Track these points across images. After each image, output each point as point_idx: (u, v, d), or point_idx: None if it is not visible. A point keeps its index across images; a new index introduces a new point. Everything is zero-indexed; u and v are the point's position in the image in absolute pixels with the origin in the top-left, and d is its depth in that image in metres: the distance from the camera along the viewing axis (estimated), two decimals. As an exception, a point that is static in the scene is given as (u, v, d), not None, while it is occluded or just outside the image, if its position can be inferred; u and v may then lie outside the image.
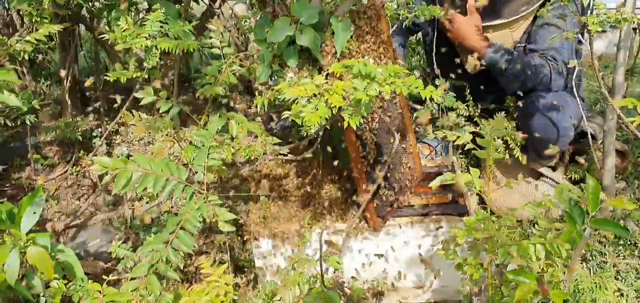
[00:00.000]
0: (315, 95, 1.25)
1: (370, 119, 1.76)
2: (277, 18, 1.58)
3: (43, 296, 1.62)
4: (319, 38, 1.56)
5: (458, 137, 1.40)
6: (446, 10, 2.27)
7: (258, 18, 1.71)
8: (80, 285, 1.46)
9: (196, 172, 1.51)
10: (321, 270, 1.45)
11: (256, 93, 1.66)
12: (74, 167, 2.77)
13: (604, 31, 4.31)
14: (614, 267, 2.16)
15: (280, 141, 1.73)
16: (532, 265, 1.39)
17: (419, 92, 1.31)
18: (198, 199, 1.45)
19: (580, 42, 2.34)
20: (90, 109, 3.16)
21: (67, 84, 2.86)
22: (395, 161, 1.89)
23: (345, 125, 1.26)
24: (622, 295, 2.05)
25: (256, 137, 1.77)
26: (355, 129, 1.56)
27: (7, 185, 2.68)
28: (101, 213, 2.45)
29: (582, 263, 2.18)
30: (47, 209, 2.59)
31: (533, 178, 2.63)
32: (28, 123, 2.44)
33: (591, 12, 1.89)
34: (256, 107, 1.69)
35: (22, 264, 1.59)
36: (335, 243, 1.91)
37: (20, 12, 2.83)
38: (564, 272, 1.45)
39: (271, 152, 1.63)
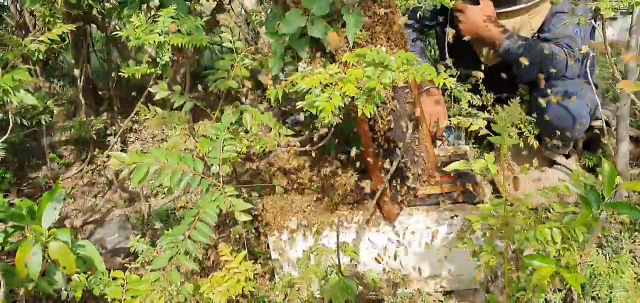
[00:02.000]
0: (328, 85, 1.26)
1: (382, 109, 1.76)
2: (288, 10, 1.59)
3: (65, 290, 1.65)
4: (330, 29, 1.57)
5: (471, 123, 1.41)
6: (456, 4, 2.27)
7: (269, 11, 1.72)
8: (101, 279, 1.48)
9: (212, 165, 1.53)
10: (338, 259, 1.46)
11: (269, 86, 1.67)
12: (89, 166, 2.81)
13: (614, 18, 4.27)
14: (630, 252, 2.15)
15: (294, 132, 1.75)
16: (548, 250, 1.39)
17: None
18: (214, 191, 1.47)
19: (593, 28, 2.33)
20: (103, 107, 3.20)
21: (81, 84, 2.89)
22: (409, 150, 1.89)
23: (360, 113, 1.27)
24: (639, 280, 2.05)
25: (270, 130, 1.79)
26: (368, 118, 1.57)
27: (25, 184, 2.72)
28: (118, 209, 2.48)
29: (597, 250, 2.18)
30: (65, 207, 2.63)
31: (547, 166, 2.63)
32: (43, 122, 2.47)
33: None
34: (268, 101, 1.71)
35: (44, 260, 1.62)
36: (350, 234, 1.92)
37: (34, 12, 2.86)
38: (580, 256, 1.45)
39: (285, 143, 1.64)
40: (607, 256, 2.14)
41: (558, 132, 2.36)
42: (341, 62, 1.50)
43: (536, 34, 2.39)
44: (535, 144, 2.34)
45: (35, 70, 3.18)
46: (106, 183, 2.77)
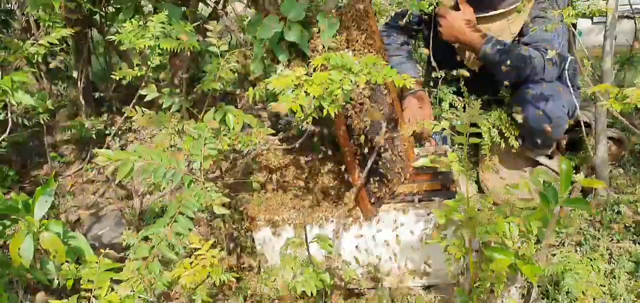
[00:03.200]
0: (297, 86, 1.35)
1: (359, 109, 1.85)
2: (267, 16, 1.69)
3: (56, 279, 1.75)
4: (306, 34, 1.66)
5: (434, 125, 1.49)
6: (439, 8, 2.36)
7: (251, 16, 1.82)
8: (90, 268, 1.58)
9: (194, 162, 1.62)
10: (308, 251, 1.55)
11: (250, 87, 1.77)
12: (89, 164, 2.92)
13: (605, 22, 4.31)
14: (607, 250, 2.22)
15: (274, 131, 1.84)
16: (507, 243, 1.47)
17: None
18: (195, 186, 1.57)
19: (573, 33, 2.40)
20: (103, 108, 3.31)
21: (81, 85, 3.00)
22: (387, 149, 1.97)
23: (324, 113, 1.36)
24: (614, 277, 2.12)
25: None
26: (345, 117, 1.65)
27: (27, 181, 2.84)
28: (112, 205, 2.59)
29: (576, 248, 2.25)
30: (64, 204, 2.74)
31: (531, 166, 2.69)
32: (42, 122, 2.58)
33: (570, 4, 1.95)
34: (251, 100, 1.80)
35: (38, 251, 1.72)
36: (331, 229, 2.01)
37: (36, 17, 2.98)
38: (537, 250, 1.53)
39: (264, 142, 1.73)
40: (585, 254, 2.21)
41: (537, 134, 2.42)
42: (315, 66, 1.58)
43: (517, 38, 2.46)
44: (516, 144, 2.41)
45: (40, 73, 3.31)
46: (105, 181, 2.87)
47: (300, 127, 1.74)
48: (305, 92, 1.30)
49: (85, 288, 1.37)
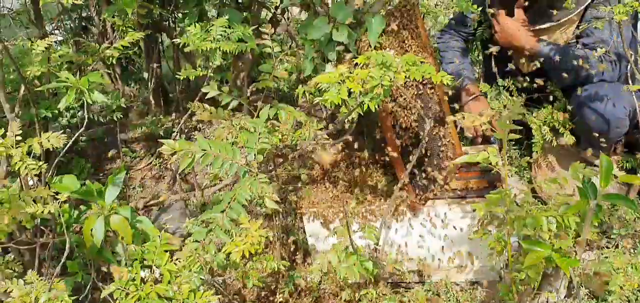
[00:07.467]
0: (340, 83, 1.46)
1: (405, 107, 1.92)
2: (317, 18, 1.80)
3: (124, 259, 1.93)
4: (353, 34, 1.76)
5: (473, 121, 1.55)
6: (494, 12, 2.39)
7: (304, 19, 1.94)
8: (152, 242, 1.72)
9: (248, 154, 1.75)
10: (350, 240, 1.64)
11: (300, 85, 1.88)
12: (158, 159, 3.13)
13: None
14: (665, 253, 2.18)
15: (324, 126, 1.95)
16: (544, 236, 1.51)
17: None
18: (249, 177, 1.70)
19: (633, 33, 2.35)
20: (172, 108, 3.53)
21: (152, 86, 3.23)
22: (433, 146, 2.03)
23: (365, 108, 1.45)
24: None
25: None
26: (390, 114, 1.73)
27: (101, 174, 3.08)
28: (176, 195, 2.77)
29: (630, 250, 2.22)
30: (135, 195, 2.96)
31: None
32: (115, 119, 2.81)
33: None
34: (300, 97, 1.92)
35: (109, 236, 1.90)
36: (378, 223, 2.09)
37: (111, 23, 3.23)
38: (574, 244, 1.55)
39: (311, 137, 1.84)
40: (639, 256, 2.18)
41: (595, 135, 2.39)
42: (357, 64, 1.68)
43: (575, 40, 2.44)
44: (570, 140, 2.39)
45: (114, 74, 3.57)
46: (172, 175, 3.07)
47: (345, 121, 1.84)
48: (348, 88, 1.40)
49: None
